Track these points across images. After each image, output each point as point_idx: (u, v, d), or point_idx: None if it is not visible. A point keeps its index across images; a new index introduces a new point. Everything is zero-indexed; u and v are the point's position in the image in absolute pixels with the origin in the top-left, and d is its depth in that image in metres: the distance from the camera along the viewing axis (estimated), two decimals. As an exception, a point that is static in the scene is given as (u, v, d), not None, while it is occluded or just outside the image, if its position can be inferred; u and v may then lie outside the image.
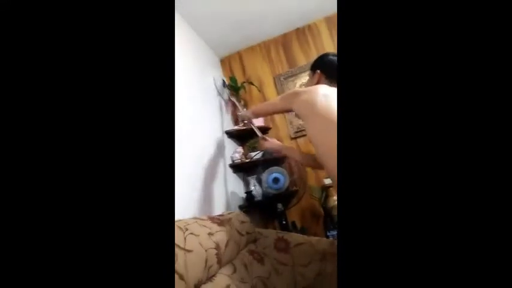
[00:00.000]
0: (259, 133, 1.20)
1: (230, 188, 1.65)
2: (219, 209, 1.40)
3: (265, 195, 1.76)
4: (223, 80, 1.77)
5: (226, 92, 1.79)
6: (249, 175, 1.86)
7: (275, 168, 1.72)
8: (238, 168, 1.80)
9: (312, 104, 0.73)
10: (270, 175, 1.70)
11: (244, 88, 2.00)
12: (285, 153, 0.73)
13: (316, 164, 0.91)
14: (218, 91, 1.72)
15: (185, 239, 0.67)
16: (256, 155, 1.79)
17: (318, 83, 0.90)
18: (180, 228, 0.70)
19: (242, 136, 1.94)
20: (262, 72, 2.11)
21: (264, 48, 2.14)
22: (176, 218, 0.83)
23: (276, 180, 1.68)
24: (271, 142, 1.15)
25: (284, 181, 1.68)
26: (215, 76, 1.77)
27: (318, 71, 0.92)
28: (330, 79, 0.88)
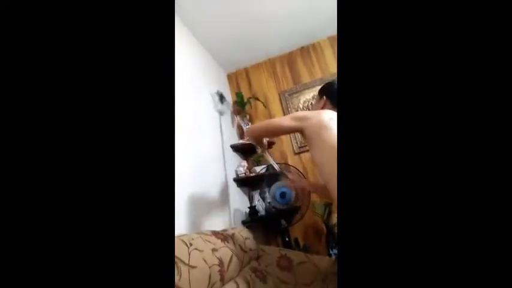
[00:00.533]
0: (276, 166, 1.23)
1: (234, 202, 1.65)
2: (222, 223, 1.39)
3: (269, 211, 1.75)
4: (221, 94, 1.76)
5: (226, 106, 1.77)
6: (253, 189, 1.86)
7: (282, 182, 1.72)
8: (242, 182, 1.80)
9: (319, 128, 0.76)
10: (277, 189, 1.69)
11: (250, 104, 2.05)
12: (310, 189, 0.75)
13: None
14: (216, 107, 1.72)
15: (189, 254, 0.67)
16: (261, 169, 1.79)
17: (323, 108, 0.97)
18: (185, 243, 0.70)
19: (247, 150, 1.95)
20: (267, 88, 2.16)
21: (270, 65, 2.20)
22: (180, 232, 0.84)
23: (283, 194, 1.67)
24: (299, 181, 1.22)
25: (291, 195, 1.68)
26: (211, 90, 1.77)
27: (324, 97, 0.99)
28: (335, 105, 0.96)
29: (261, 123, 0.89)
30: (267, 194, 1.82)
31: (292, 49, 2.16)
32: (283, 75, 2.16)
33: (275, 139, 2.02)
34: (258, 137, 0.76)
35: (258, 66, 2.23)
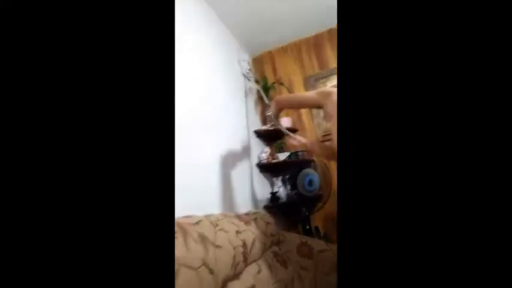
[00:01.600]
0: (285, 130, 1.16)
1: (256, 188, 1.66)
2: (244, 207, 1.41)
3: (290, 198, 1.75)
4: (248, 63, 1.69)
5: (252, 76, 1.71)
6: (275, 176, 1.86)
7: (309, 170, 1.69)
8: (264, 168, 1.80)
9: None
10: (306, 177, 1.67)
11: (275, 88, 2.00)
12: (309, 148, 0.70)
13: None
14: (243, 74, 1.65)
15: (216, 234, 0.68)
16: (284, 156, 1.77)
17: None
18: (211, 223, 0.71)
19: (270, 136, 1.93)
20: (292, 73, 2.09)
21: (295, 48, 2.12)
22: (205, 212, 0.86)
23: (310, 182, 1.65)
24: (298, 139, 1.14)
25: (317, 183, 1.66)
26: (240, 59, 1.71)
27: None
28: None
29: (288, 95, 0.83)
30: (287, 182, 1.80)
31: (318, 31, 2.05)
32: (308, 59, 2.07)
33: (297, 127, 1.98)
34: (282, 105, 0.74)
35: (283, 49, 2.15)
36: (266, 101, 1.52)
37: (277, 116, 0.86)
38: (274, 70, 2.15)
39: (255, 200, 1.61)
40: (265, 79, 1.97)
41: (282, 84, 2.00)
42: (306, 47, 2.08)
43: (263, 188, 1.78)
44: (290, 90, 2.04)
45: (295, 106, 0.63)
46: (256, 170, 1.74)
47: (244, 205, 1.43)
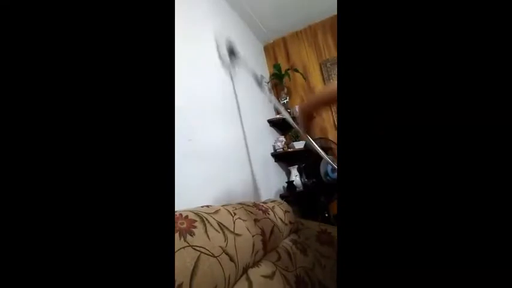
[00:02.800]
0: (320, 152, 1.06)
1: (271, 177, 1.66)
2: (260, 196, 1.41)
3: (307, 187, 1.73)
4: (231, 46, 1.61)
5: (238, 61, 1.60)
6: (290, 165, 1.84)
7: (331, 157, 1.66)
8: (280, 157, 1.79)
9: None
10: (329, 164, 1.64)
11: (289, 76, 1.95)
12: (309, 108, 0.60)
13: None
14: (222, 58, 1.45)
15: (234, 223, 0.68)
16: (300, 145, 1.75)
17: None
18: (229, 212, 0.72)
19: (285, 125, 1.90)
20: (307, 58, 2.02)
21: (310, 33, 2.03)
22: (222, 202, 0.86)
23: (334, 169, 1.62)
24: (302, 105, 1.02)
25: None
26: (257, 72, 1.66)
27: None
28: None
29: (313, 96, 0.74)
30: (303, 171, 1.78)
31: (335, 12, 1.95)
32: (324, 42, 1.98)
33: (314, 113, 1.93)
34: (311, 110, 0.65)
35: (296, 34, 2.08)
36: (282, 112, 1.40)
37: (307, 128, 0.71)
38: (288, 57, 2.09)
39: (271, 190, 1.60)
40: (279, 66, 1.92)
41: (296, 70, 1.94)
42: (322, 30, 2.00)
43: (279, 178, 1.78)
44: (305, 77, 1.97)
45: (325, 104, 0.55)
46: (271, 160, 1.73)
47: (260, 194, 1.44)
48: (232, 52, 1.41)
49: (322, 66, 1.96)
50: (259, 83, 1.35)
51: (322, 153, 0.81)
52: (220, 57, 1.36)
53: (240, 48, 1.75)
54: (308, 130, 0.65)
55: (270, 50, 2.16)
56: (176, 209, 0.63)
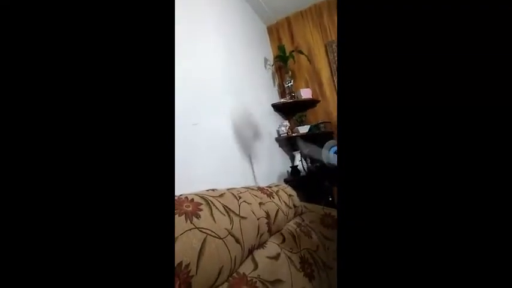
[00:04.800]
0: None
1: (275, 162, 1.66)
2: (264, 181, 1.42)
3: (311, 171, 1.73)
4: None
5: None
6: (295, 149, 1.83)
7: (332, 141, 1.65)
8: (284, 142, 1.78)
9: None
10: (332, 148, 1.63)
11: (293, 58, 1.90)
12: None
13: None
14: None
15: (239, 206, 0.69)
16: (304, 129, 1.73)
17: None
18: (234, 195, 0.72)
19: (289, 109, 1.88)
20: (312, 39, 1.96)
21: (316, 12, 1.95)
22: (227, 186, 0.87)
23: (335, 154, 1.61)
24: None
25: None
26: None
27: None
28: None
29: None
30: (307, 156, 1.77)
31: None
32: (330, 22, 1.91)
33: (319, 97, 1.89)
34: None
35: (301, 14, 2.00)
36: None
37: None
38: (292, 38, 2.02)
39: (275, 174, 1.61)
40: (283, 48, 1.86)
41: (300, 52, 1.89)
42: (327, 9, 1.91)
43: (283, 162, 1.78)
44: (310, 59, 1.92)
45: None
46: (275, 144, 1.72)
47: (265, 179, 1.44)
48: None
49: (328, 47, 1.90)
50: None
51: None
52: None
53: (242, 30, 1.70)
54: None
55: (273, 31, 2.09)
56: (181, 192, 0.63)
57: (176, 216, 0.51)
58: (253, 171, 1.35)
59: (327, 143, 1.63)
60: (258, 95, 1.64)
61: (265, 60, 1.87)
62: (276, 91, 1.99)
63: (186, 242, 0.48)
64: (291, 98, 1.80)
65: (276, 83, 2.00)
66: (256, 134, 1.35)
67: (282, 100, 1.85)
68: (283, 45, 1.88)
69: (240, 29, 1.63)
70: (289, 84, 1.85)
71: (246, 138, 1.19)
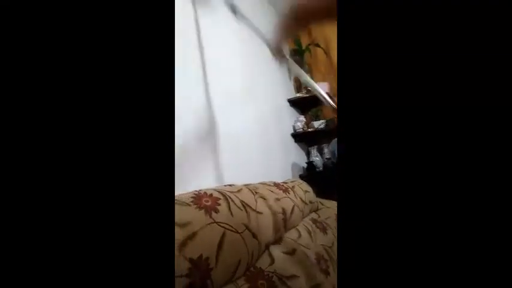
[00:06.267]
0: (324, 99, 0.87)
1: (291, 157, 1.65)
2: (281, 177, 1.42)
3: (327, 166, 1.71)
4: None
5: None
6: (310, 145, 1.81)
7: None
8: (300, 137, 1.76)
9: None
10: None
11: (310, 51, 1.86)
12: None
13: None
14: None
15: (256, 201, 0.70)
16: (320, 124, 1.70)
17: None
18: (251, 191, 0.73)
19: (305, 104, 1.86)
20: (330, 31, 1.90)
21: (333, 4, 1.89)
22: (243, 182, 0.88)
23: None
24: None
25: None
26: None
27: None
28: None
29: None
30: (326, 149, 1.75)
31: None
32: (349, 14, 1.84)
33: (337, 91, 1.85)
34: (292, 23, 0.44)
35: (319, 6, 1.94)
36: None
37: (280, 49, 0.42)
38: (309, 30, 1.98)
39: (291, 170, 1.61)
40: (299, 41, 1.83)
41: (317, 45, 1.84)
42: (345, 0, 1.85)
43: (299, 158, 1.77)
44: (327, 52, 1.87)
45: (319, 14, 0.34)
46: (291, 140, 1.71)
47: (281, 174, 1.45)
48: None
49: (346, 40, 1.84)
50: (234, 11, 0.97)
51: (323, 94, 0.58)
52: None
53: (257, 22, 1.67)
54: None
55: (289, 25, 2.05)
56: (201, 187, 0.65)
57: (196, 210, 0.53)
58: (269, 167, 1.35)
59: (334, 139, 1.60)
60: (273, 90, 1.63)
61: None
62: (292, 85, 1.97)
63: (205, 235, 0.50)
64: (307, 93, 1.78)
65: (292, 77, 1.98)
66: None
67: (298, 95, 1.83)
68: (299, 39, 1.84)
69: (255, 22, 1.61)
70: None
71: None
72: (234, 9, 0.94)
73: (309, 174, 1.68)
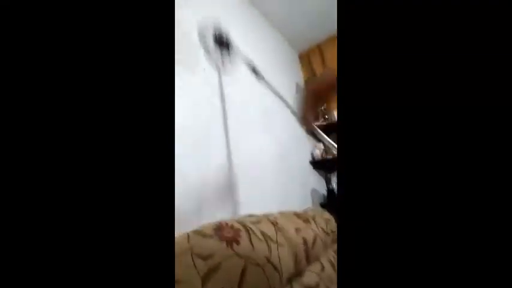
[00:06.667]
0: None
1: (310, 184, 1.63)
2: (300, 204, 1.40)
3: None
4: (220, 35, 1.11)
5: (232, 55, 1.14)
6: (330, 172, 1.79)
7: None
8: (318, 164, 1.75)
9: None
10: None
11: (325, 81, 1.92)
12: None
13: None
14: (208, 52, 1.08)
15: (276, 232, 0.70)
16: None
17: None
18: (271, 222, 0.74)
19: (323, 131, 1.87)
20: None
21: (346, 35, 1.98)
22: (261, 211, 0.89)
23: None
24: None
25: None
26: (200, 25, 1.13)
27: None
28: None
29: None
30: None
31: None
32: (362, 45, 1.91)
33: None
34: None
35: (332, 40, 2.04)
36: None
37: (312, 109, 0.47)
38: (323, 63, 2.06)
39: (311, 198, 1.58)
40: (314, 74, 1.90)
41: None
42: (357, 32, 1.94)
43: (318, 185, 1.74)
44: (342, 81, 1.92)
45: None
46: (310, 167, 1.71)
47: (300, 202, 1.43)
48: (222, 42, 1.06)
49: (360, 68, 1.89)
50: (255, 72, 0.99)
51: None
52: (206, 50, 1.04)
53: (274, 57, 1.79)
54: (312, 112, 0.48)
55: (305, 58, 2.16)
56: (216, 216, 0.67)
57: (218, 242, 0.55)
58: (288, 195, 1.35)
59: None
60: (290, 118, 1.67)
61: (297, 85, 1.92)
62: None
63: (227, 268, 0.51)
64: (324, 121, 1.81)
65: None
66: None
67: (316, 123, 1.86)
68: (315, 70, 1.93)
69: (272, 56, 1.73)
70: (322, 107, 1.87)
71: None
72: (255, 72, 0.96)
73: (330, 201, 1.63)
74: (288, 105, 0.73)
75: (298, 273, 0.72)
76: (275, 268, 0.60)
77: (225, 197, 0.95)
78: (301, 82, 2.05)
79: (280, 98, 0.82)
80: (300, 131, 1.74)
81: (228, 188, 0.98)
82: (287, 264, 0.65)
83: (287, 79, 1.84)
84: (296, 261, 0.70)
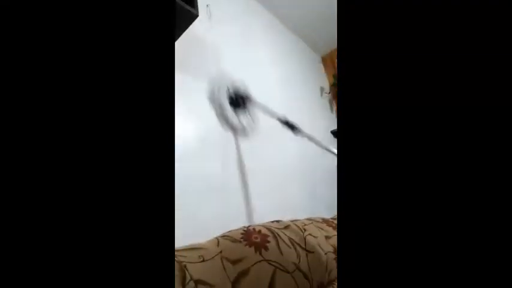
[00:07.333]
0: None
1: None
2: (327, 211, 1.36)
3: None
4: (237, 95, 1.03)
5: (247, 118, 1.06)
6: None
7: None
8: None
9: None
10: None
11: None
12: None
13: None
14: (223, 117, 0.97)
15: (305, 239, 0.68)
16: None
17: None
18: (299, 228, 0.72)
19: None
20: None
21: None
22: (289, 217, 0.88)
23: None
24: None
25: None
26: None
27: None
28: None
29: None
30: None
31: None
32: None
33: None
34: None
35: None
36: None
37: None
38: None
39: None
40: (336, 77, 1.87)
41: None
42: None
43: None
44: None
45: None
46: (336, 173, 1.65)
47: (328, 208, 1.38)
48: (237, 101, 0.94)
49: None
50: (290, 126, 0.93)
51: None
52: (220, 116, 0.92)
53: (298, 62, 1.79)
54: None
55: (328, 61, 2.13)
56: (243, 222, 0.67)
57: (247, 247, 0.55)
58: (314, 201, 1.31)
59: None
60: (315, 122, 1.65)
61: (321, 89, 1.89)
62: (334, 117, 1.96)
63: (256, 273, 0.50)
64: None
65: (334, 109, 1.98)
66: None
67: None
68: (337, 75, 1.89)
69: (296, 61, 1.73)
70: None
71: None
72: (289, 126, 0.90)
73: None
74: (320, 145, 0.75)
75: (329, 282, 0.69)
76: (305, 276, 0.58)
77: (251, 201, 0.95)
78: (326, 84, 2.02)
79: (317, 143, 0.82)
80: (325, 135, 1.70)
81: (254, 193, 0.98)
82: (317, 272, 0.63)
83: (311, 82, 1.82)
84: (327, 269, 0.67)
